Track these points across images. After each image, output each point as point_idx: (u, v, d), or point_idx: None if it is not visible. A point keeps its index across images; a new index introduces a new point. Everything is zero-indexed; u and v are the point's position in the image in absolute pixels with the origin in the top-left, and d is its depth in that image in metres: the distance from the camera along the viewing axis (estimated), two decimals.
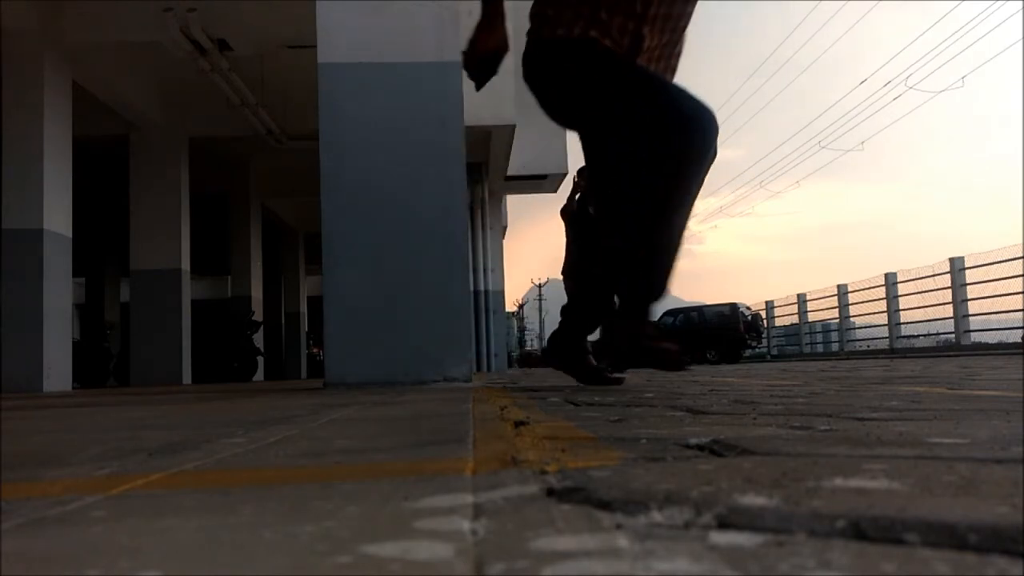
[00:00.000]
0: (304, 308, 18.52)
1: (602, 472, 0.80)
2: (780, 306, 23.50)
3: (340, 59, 4.47)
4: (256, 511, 0.67)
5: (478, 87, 2.97)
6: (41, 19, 7.67)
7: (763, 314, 22.74)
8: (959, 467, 0.78)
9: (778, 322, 24.11)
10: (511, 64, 3.53)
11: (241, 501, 0.72)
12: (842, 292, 19.48)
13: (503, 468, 0.86)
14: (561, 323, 3.55)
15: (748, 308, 21.22)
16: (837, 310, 19.79)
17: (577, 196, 7.98)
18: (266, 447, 1.21)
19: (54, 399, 4.79)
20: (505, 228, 16.76)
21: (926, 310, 16.10)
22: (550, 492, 0.69)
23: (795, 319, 22.64)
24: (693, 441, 1.06)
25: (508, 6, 3.46)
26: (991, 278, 14.35)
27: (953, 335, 15.15)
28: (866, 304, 18.51)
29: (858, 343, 19.57)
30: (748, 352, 20.98)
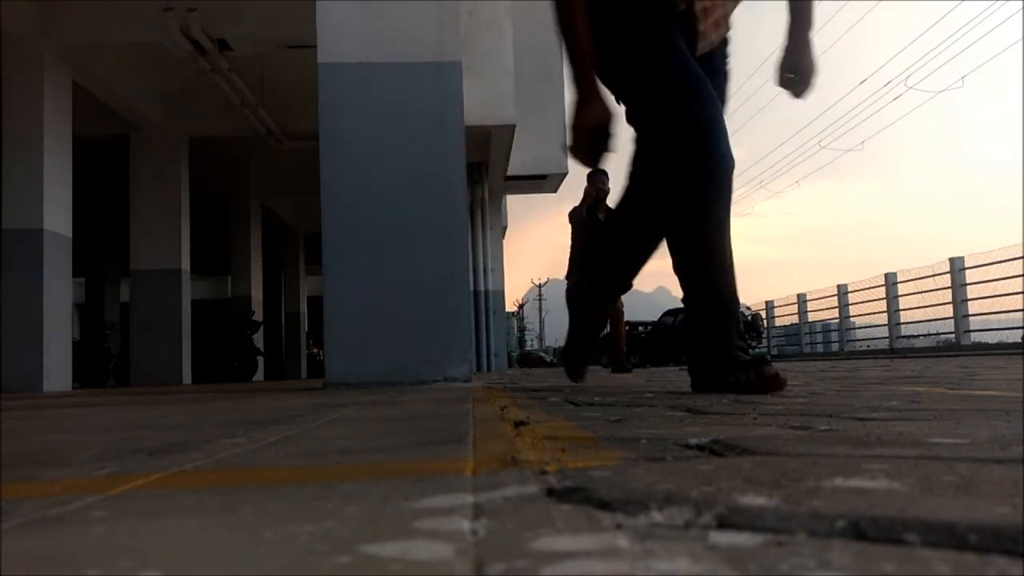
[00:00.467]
0: (304, 308, 18.52)
1: (602, 472, 0.80)
2: (780, 306, 23.50)
3: (340, 59, 4.47)
4: (256, 511, 0.67)
5: (593, 164, 2.80)
6: (41, 19, 7.67)
7: (763, 314, 22.74)
8: (959, 467, 0.78)
9: (778, 322, 24.11)
10: (511, 64, 3.53)
11: (241, 501, 0.72)
12: (842, 292, 19.48)
13: (503, 468, 0.86)
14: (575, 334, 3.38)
15: (748, 308, 21.22)
16: (837, 310, 19.79)
17: (587, 204, 8.07)
18: (266, 447, 1.21)
19: (54, 399, 4.79)
20: (505, 228, 16.76)
21: (926, 310, 16.09)
22: (550, 492, 0.69)
23: (795, 319, 22.64)
24: (693, 441, 1.06)
25: (508, 6, 3.42)
26: (991, 278, 14.34)
27: (953, 335, 15.15)
28: (866, 304, 18.50)
29: (858, 343, 19.56)
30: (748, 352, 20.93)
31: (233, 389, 5.76)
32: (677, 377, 4.68)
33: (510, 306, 62.18)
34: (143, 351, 10.35)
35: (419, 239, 4.41)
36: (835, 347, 20.52)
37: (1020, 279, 13.52)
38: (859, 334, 19.80)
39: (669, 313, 22.10)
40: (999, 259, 14.05)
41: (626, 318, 8.21)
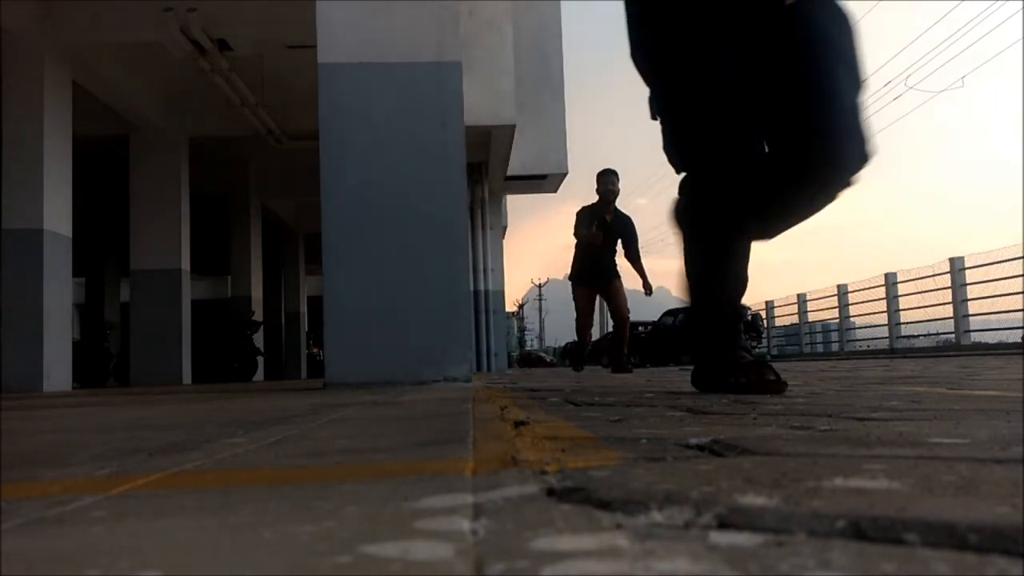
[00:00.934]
0: (304, 308, 18.52)
1: (602, 472, 0.80)
2: (780, 306, 23.49)
3: (340, 59, 4.47)
4: (256, 511, 0.67)
5: None
6: (41, 19, 7.67)
7: (763, 314, 22.74)
8: (959, 467, 0.78)
9: (778, 322, 24.10)
10: (511, 64, 3.54)
11: (241, 501, 0.72)
12: (842, 292, 19.47)
13: (503, 468, 0.86)
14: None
15: (748, 308, 21.21)
16: (837, 310, 19.78)
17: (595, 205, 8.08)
18: (266, 447, 1.21)
19: (54, 399, 4.79)
20: (505, 228, 16.75)
21: (926, 310, 16.09)
22: (550, 492, 0.69)
23: (795, 319, 22.63)
24: (693, 441, 1.06)
25: (508, 6, 3.40)
26: (991, 278, 14.34)
27: (953, 335, 15.15)
28: (866, 304, 18.50)
29: (858, 343, 19.55)
30: None
31: (233, 389, 5.76)
32: (677, 377, 4.68)
33: (510, 306, 62.15)
34: (143, 351, 10.35)
35: (419, 239, 4.41)
36: (835, 347, 20.51)
37: (1020, 279, 13.52)
38: (859, 334, 19.79)
39: (669, 313, 22.09)
40: (999, 259, 14.05)
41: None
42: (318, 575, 0.46)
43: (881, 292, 17.49)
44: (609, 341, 8.77)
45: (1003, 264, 13.98)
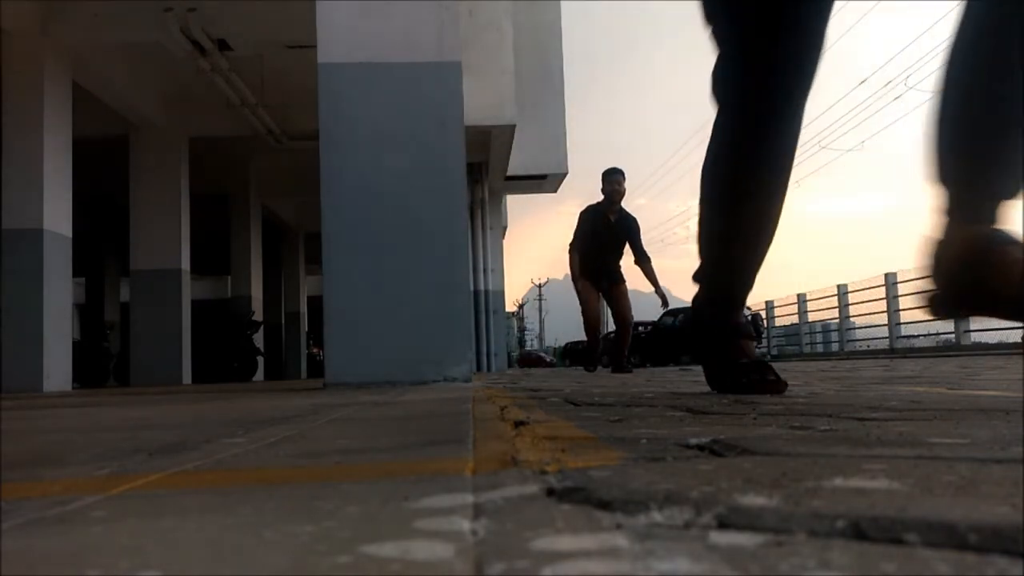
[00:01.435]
0: (304, 308, 18.53)
1: (602, 472, 0.80)
2: (780, 306, 23.49)
3: (340, 59, 4.47)
4: (256, 511, 0.67)
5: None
6: (41, 19, 7.67)
7: (763, 314, 22.73)
8: (959, 467, 0.78)
9: (778, 322, 24.09)
10: (511, 64, 3.53)
11: (241, 501, 0.72)
12: (842, 292, 19.47)
13: (503, 468, 0.86)
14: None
15: (748, 308, 21.21)
16: (837, 310, 19.78)
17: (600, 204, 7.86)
18: (266, 447, 1.21)
19: (54, 399, 4.79)
20: (505, 228, 16.76)
21: (926, 310, 16.07)
22: (550, 492, 0.69)
23: (795, 319, 22.63)
24: (693, 441, 1.06)
25: (508, 6, 3.39)
26: None
27: (953, 335, 15.14)
28: (866, 304, 18.50)
29: (858, 343, 19.55)
30: None
31: (233, 389, 5.76)
32: (677, 377, 4.68)
33: (510, 306, 62.15)
34: (143, 351, 10.35)
35: (419, 239, 4.41)
36: (835, 347, 20.51)
37: None
38: (859, 334, 19.79)
39: (669, 313, 22.09)
40: None
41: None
42: (318, 575, 0.46)
43: (881, 292, 17.49)
44: (610, 342, 8.58)
45: None
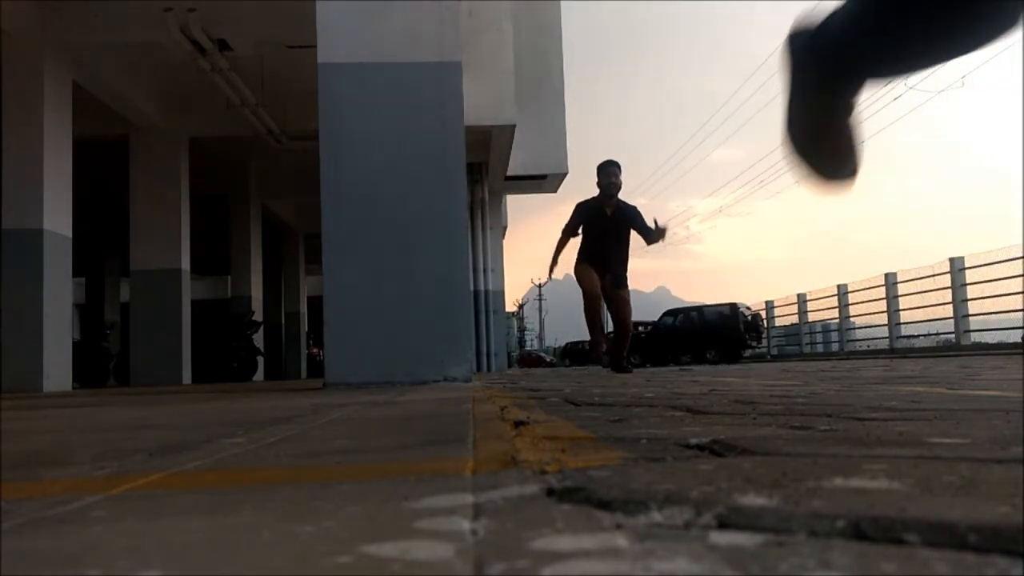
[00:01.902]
0: (304, 308, 18.52)
1: (602, 472, 0.80)
2: (780, 306, 23.49)
3: (340, 59, 4.47)
4: (256, 511, 0.67)
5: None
6: (41, 19, 7.67)
7: (763, 314, 22.74)
8: (959, 467, 0.78)
9: (778, 322, 24.09)
10: (511, 64, 3.54)
11: (241, 501, 0.72)
12: (842, 292, 19.48)
13: (503, 468, 0.86)
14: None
15: (748, 308, 21.22)
16: (837, 310, 19.79)
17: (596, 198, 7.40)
18: (266, 447, 1.21)
19: (54, 399, 4.78)
20: (505, 228, 16.75)
21: (926, 310, 16.09)
22: (550, 492, 0.69)
23: (795, 319, 22.64)
24: (693, 441, 1.06)
25: (508, 6, 3.38)
26: (991, 278, 14.34)
27: (953, 335, 15.15)
28: (866, 304, 18.50)
29: (858, 343, 19.55)
30: (748, 352, 20.99)
31: (233, 389, 5.76)
32: (677, 377, 4.68)
33: (510, 306, 62.15)
34: (143, 351, 10.35)
35: (419, 239, 4.41)
36: (835, 347, 20.51)
37: (1020, 279, 13.52)
38: (859, 334, 19.79)
39: (669, 313, 22.12)
40: (999, 259, 14.05)
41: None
42: (318, 575, 0.46)
43: (881, 292, 17.49)
44: (610, 342, 8.33)
45: (1003, 264, 13.98)
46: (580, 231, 7.48)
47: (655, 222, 7.38)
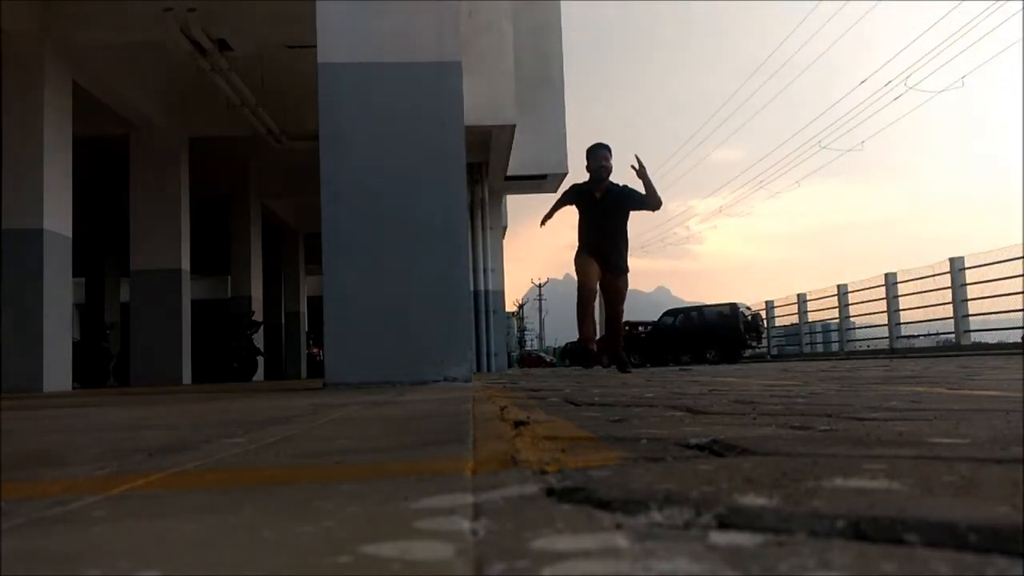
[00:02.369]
0: (304, 308, 18.52)
1: (602, 472, 0.80)
2: (780, 306, 23.48)
3: (340, 59, 4.47)
4: (256, 511, 0.67)
5: None
6: (41, 19, 7.67)
7: (763, 314, 22.73)
8: (959, 467, 0.78)
9: (778, 322, 24.09)
10: (511, 64, 3.54)
11: (241, 501, 0.72)
12: (842, 292, 19.48)
13: (503, 468, 0.86)
14: None
15: (748, 308, 21.21)
16: (837, 310, 19.78)
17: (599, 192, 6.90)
18: (266, 447, 1.21)
19: (54, 399, 4.78)
20: (505, 228, 16.75)
21: (926, 310, 16.09)
22: (550, 492, 0.69)
23: (795, 319, 22.63)
24: (693, 441, 1.06)
25: (508, 6, 3.38)
26: (991, 278, 14.34)
27: (953, 335, 15.15)
28: (866, 304, 18.49)
29: (858, 343, 19.55)
30: (748, 352, 20.99)
31: (233, 389, 5.76)
32: (677, 377, 4.68)
33: (510, 306, 62.13)
34: (143, 351, 10.35)
35: (419, 239, 4.40)
36: (835, 347, 20.51)
37: (1020, 279, 13.51)
38: (859, 334, 19.79)
39: (669, 313, 22.12)
40: (999, 259, 14.04)
41: (626, 318, 7.61)
42: (318, 575, 0.46)
43: (881, 292, 17.49)
44: (605, 341, 7.66)
45: (1003, 264, 13.97)
46: (578, 218, 7.09)
47: (637, 159, 6.86)
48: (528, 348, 64.86)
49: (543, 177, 13.11)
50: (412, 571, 0.46)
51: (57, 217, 7.61)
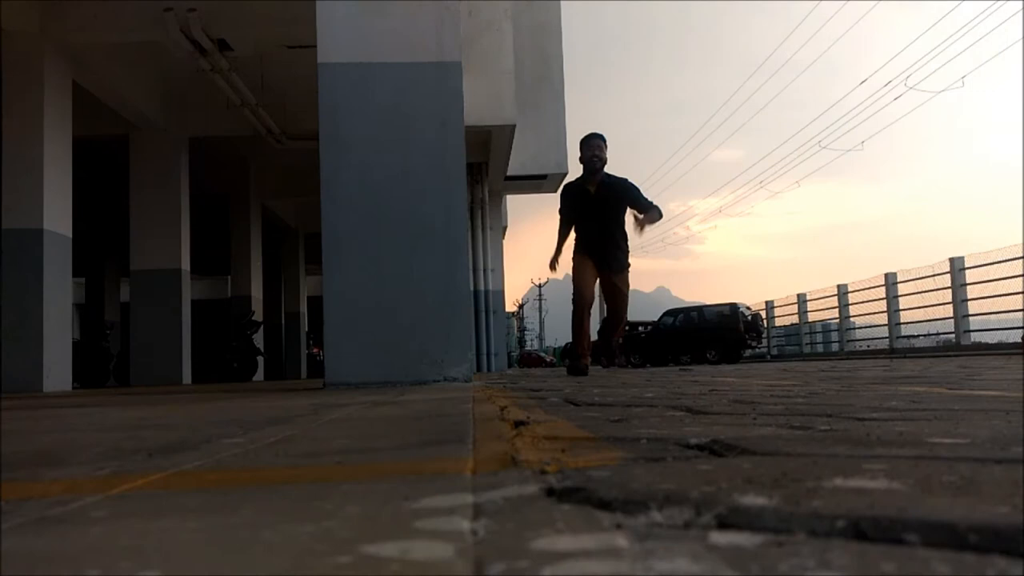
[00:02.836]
0: (304, 308, 18.52)
1: (602, 472, 0.80)
2: (780, 306, 23.49)
3: (340, 59, 4.47)
4: (256, 511, 0.67)
5: None
6: (41, 19, 7.67)
7: (763, 314, 22.74)
8: (959, 467, 0.78)
9: (778, 322, 24.09)
10: (511, 64, 3.54)
11: (241, 501, 0.72)
12: (842, 292, 19.48)
13: (503, 468, 0.86)
14: None
15: (748, 308, 21.22)
16: (837, 310, 19.79)
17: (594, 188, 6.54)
18: (266, 447, 1.21)
19: (54, 399, 4.78)
20: (505, 228, 16.75)
21: (926, 310, 16.09)
22: (550, 492, 0.69)
23: (795, 319, 22.64)
24: (693, 441, 1.06)
25: (508, 6, 3.38)
26: (991, 278, 14.34)
27: (953, 335, 15.15)
28: (866, 304, 18.50)
29: (858, 343, 19.55)
30: (748, 352, 20.99)
31: (233, 389, 5.76)
32: (677, 377, 4.68)
33: (510, 306, 62.14)
34: (143, 351, 10.35)
35: (419, 239, 4.40)
36: (835, 347, 20.51)
37: (1020, 279, 13.51)
38: (859, 334, 19.79)
39: (669, 313, 22.13)
40: (999, 259, 14.05)
41: (627, 317, 7.47)
42: (318, 575, 0.46)
43: (881, 292, 17.49)
44: (601, 335, 7.29)
45: (1003, 264, 13.98)
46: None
47: (641, 223, 6.56)
48: (528, 348, 64.87)
49: (543, 177, 13.12)
50: (412, 571, 0.46)
51: (57, 217, 7.61)
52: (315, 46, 4.48)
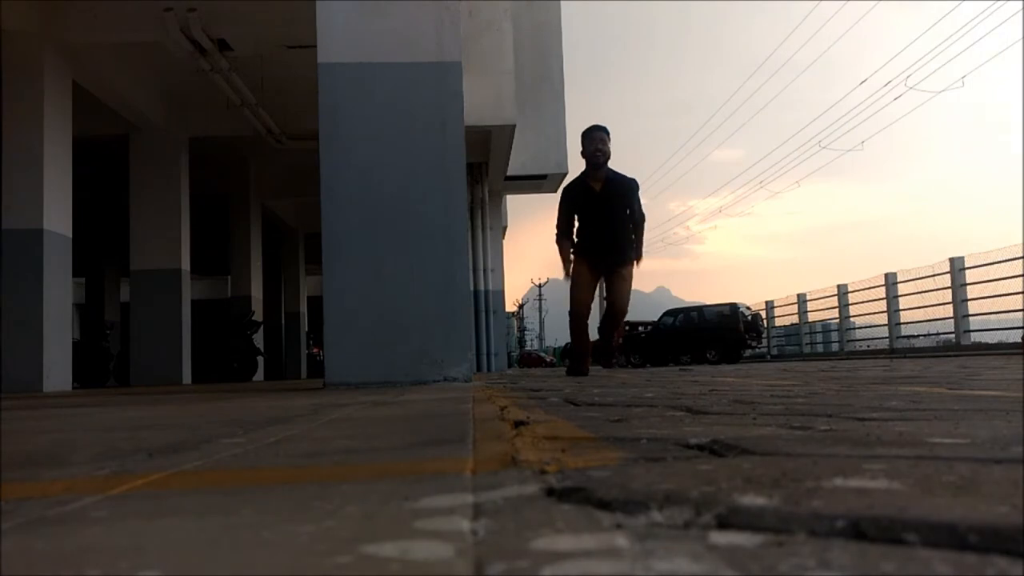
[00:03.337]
0: (304, 308, 18.52)
1: (602, 472, 0.80)
2: (780, 306, 23.49)
3: (340, 59, 4.47)
4: (256, 511, 0.67)
5: None
6: (41, 19, 7.67)
7: (763, 314, 22.74)
8: (959, 467, 0.78)
9: (778, 322, 24.10)
10: (511, 64, 3.53)
11: (241, 501, 0.72)
12: (842, 292, 19.48)
13: (503, 468, 0.86)
14: None
15: (748, 308, 21.22)
16: (837, 310, 19.79)
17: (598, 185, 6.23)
18: (266, 447, 1.21)
19: (54, 399, 4.78)
20: (505, 228, 16.75)
21: (926, 310, 16.09)
22: (550, 492, 0.69)
23: (795, 319, 22.64)
24: (693, 441, 1.06)
25: (508, 6, 3.37)
26: (991, 278, 14.34)
27: (953, 335, 15.15)
28: (866, 304, 18.51)
29: (858, 343, 19.55)
30: (748, 352, 20.99)
31: (233, 389, 5.76)
32: (677, 377, 4.68)
33: (510, 306, 62.15)
34: (143, 351, 10.35)
35: (419, 239, 4.40)
36: (835, 347, 20.52)
37: (1020, 279, 13.52)
38: (859, 334, 19.80)
39: (669, 313, 22.13)
40: (999, 259, 14.05)
41: (627, 317, 7.32)
42: (318, 575, 0.46)
43: (881, 292, 17.50)
44: (600, 332, 7.00)
45: (1003, 264, 13.98)
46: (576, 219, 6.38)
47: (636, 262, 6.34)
48: (528, 348, 64.88)
49: (543, 177, 13.12)
50: (412, 571, 0.46)
51: (57, 217, 7.61)
52: (315, 46, 4.48)
